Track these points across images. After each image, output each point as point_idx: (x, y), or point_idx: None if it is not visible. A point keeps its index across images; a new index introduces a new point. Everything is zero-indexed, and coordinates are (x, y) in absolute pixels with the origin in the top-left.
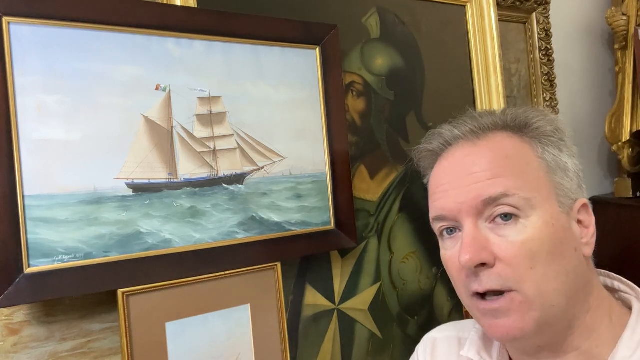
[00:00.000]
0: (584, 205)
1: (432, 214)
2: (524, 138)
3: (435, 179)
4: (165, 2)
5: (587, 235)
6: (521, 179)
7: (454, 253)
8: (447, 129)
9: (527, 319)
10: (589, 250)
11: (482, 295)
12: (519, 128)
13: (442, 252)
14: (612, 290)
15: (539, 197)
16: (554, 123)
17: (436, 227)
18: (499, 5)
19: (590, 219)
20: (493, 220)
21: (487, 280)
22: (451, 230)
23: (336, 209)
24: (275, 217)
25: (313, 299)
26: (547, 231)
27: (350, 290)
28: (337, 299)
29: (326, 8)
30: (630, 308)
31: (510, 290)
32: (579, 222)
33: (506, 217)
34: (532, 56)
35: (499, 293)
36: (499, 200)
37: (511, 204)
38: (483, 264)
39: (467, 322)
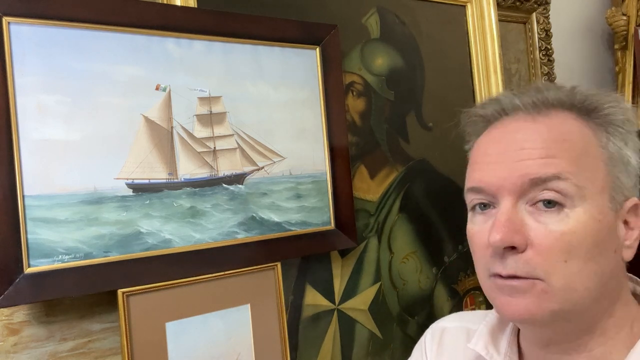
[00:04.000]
0: (635, 206)
1: (469, 184)
2: (590, 123)
3: (480, 148)
4: (165, 2)
5: (630, 237)
6: (577, 164)
7: (483, 229)
8: (507, 96)
9: (543, 307)
10: (630, 254)
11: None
12: (586, 111)
13: (469, 227)
14: (638, 297)
15: (591, 188)
16: (626, 113)
17: (469, 198)
18: (499, 5)
19: (637, 222)
20: (534, 204)
21: (513, 265)
22: (485, 205)
23: (336, 209)
24: (275, 217)
25: (313, 299)
26: (591, 226)
27: (350, 290)
28: (337, 299)
29: (326, 8)
30: None
31: (536, 278)
32: (626, 222)
33: (550, 203)
34: (532, 56)
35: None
36: (549, 183)
37: (560, 190)
38: (513, 248)
39: (477, 314)
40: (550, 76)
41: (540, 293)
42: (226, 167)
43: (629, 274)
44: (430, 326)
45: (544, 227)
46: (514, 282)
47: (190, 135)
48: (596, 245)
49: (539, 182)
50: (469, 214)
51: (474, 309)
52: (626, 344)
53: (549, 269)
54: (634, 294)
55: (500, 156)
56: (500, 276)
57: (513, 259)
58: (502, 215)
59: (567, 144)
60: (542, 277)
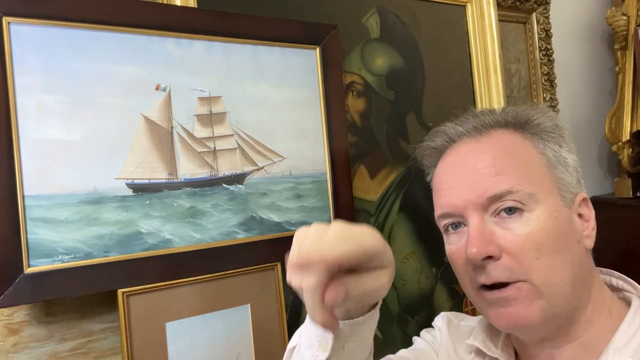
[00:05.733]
0: (584, 200)
1: (438, 211)
2: (525, 134)
3: (439, 176)
4: (165, 2)
5: (587, 228)
6: (524, 174)
7: (460, 247)
8: (450, 126)
9: (533, 307)
10: (590, 242)
11: (489, 287)
12: (520, 125)
13: (447, 247)
14: (614, 289)
15: (541, 191)
16: (554, 120)
17: (441, 223)
18: (499, 5)
19: (590, 213)
20: (498, 214)
21: (494, 273)
22: (456, 225)
23: (336, 209)
24: (275, 217)
25: None
26: (551, 224)
27: None
28: None
29: (326, 8)
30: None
31: (518, 281)
32: (580, 215)
33: (511, 210)
34: (532, 56)
35: (505, 284)
36: (504, 197)
37: (516, 199)
38: (490, 257)
39: (478, 316)
40: (550, 76)
41: (527, 294)
42: (226, 167)
43: (602, 268)
44: (440, 314)
45: (511, 232)
46: (502, 294)
47: (190, 135)
48: (559, 238)
49: (495, 198)
50: (444, 237)
51: (473, 309)
52: (608, 328)
53: (526, 269)
54: (610, 286)
55: (458, 180)
56: (486, 286)
57: (492, 267)
58: (473, 231)
59: (512, 156)
60: (523, 278)
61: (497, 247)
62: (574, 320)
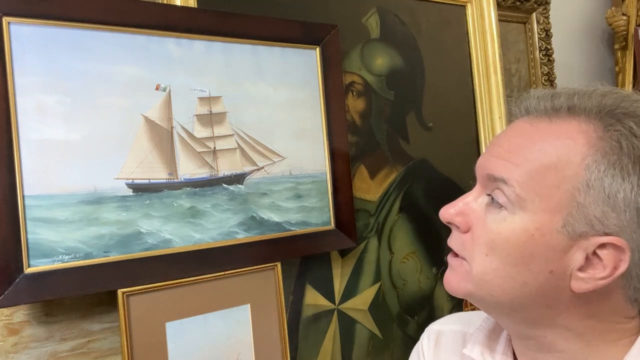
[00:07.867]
0: (615, 247)
1: None
2: (592, 138)
3: None
4: (165, 2)
5: (592, 272)
6: (532, 177)
7: None
8: (529, 98)
9: (462, 286)
10: (580, 285)
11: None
12: (603, 124)
13: None
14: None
15: (538, 203)
16: None
17: None
18: (499, 5)
19: (612, 263)
20: (491, 197)
21: (453, 240)
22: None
23: (336, 209)
24: (275, 217)
25: (313, 299)
26: (519, 236)
27: (350, 290)
28: (337, 299)
29: (326, 8)
30: None
31: (463, 258)
32: (595, 255)
33: (497, 201)
34: (532, 56)
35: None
36: (498, 183)
37: (504, 192)
38: (457, 226)
39: (474, 315)
40: (550, 76)
41: (464, 273)
42: (226, 167)
43: None
44: (426, 329)
45: (484, 219)
46: (450, 260)
47: (190, 135)
48: (520, 255)
49: (491, 179)
50: None
51: (473, 308)
52: (611, 354)
53: (473, 255)
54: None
55: (489, 148)
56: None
57: (455, 234)
58: (462, 197)
59: (541, 156)
60: (467, 259)
61: (466, 222)
62: (541, 330)
